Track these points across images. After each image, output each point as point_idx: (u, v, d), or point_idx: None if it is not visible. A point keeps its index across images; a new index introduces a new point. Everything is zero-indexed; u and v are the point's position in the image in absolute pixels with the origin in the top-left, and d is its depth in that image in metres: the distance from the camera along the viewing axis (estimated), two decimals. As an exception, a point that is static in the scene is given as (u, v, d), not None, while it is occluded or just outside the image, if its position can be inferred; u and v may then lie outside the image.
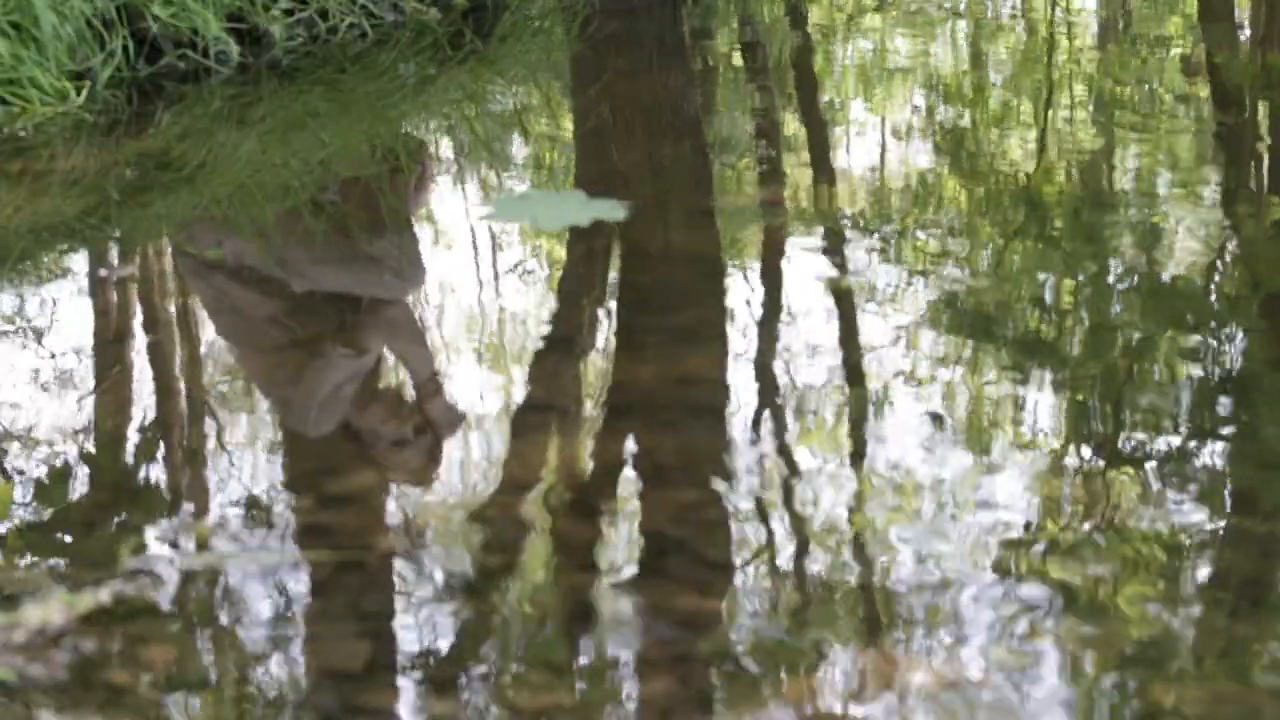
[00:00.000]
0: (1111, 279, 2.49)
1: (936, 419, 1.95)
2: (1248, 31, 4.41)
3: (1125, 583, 1.60)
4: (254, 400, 2.14)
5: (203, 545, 1.70)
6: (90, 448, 1.97)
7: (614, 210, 2.57)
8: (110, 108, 3.22)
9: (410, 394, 2.15)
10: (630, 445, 1.92)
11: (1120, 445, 1.89)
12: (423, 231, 2.81)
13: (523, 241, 2.81)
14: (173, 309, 2.51)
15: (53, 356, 2.23)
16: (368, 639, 1.51)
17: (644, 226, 2.77)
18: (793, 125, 3.56)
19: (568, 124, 3.57)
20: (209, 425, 2.07)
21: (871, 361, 2.15)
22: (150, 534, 1.72)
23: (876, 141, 3.39)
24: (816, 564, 1.65)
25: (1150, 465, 1.83)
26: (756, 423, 1.99)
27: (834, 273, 2.53)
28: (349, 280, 2.54)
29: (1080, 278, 2.50)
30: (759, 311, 2.40)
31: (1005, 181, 3.04)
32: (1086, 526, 1.71)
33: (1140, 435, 1.91)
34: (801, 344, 2.23)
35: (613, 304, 2.45)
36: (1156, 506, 1.74)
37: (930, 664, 1.44)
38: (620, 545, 1.70)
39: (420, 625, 1.54)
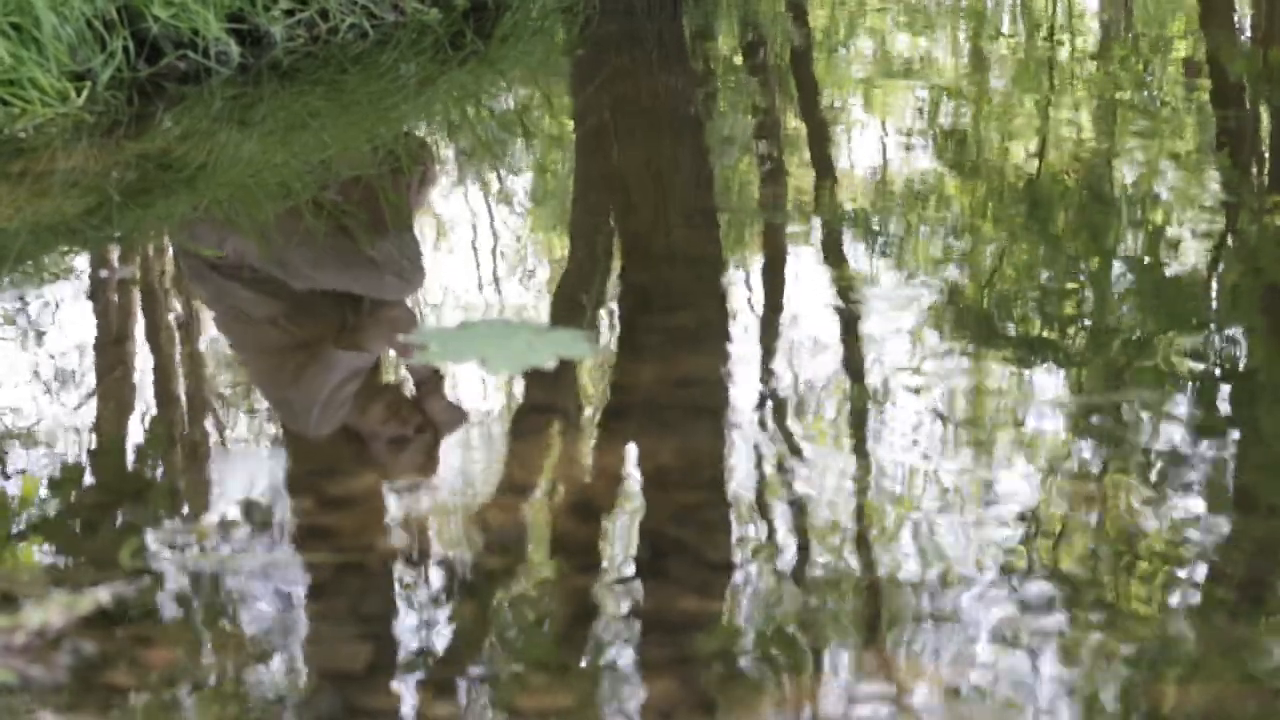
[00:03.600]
0: (1113, 277, 2.49)
1: (938, 419, 1.95)
2: (1249, 32, 4.41)
3: (1127, 582, 1.59)
4: (255, 401, 2.14)
5: (203, 547, 1.70)
6: (91, 449, 1.97)
7: (577, 345, 2.07)
8: (111, 108, 3.22)
9: (410, 394, 2.15)
10: (631, 446, 1.92)
11: (1123, 445, 1.89)
12: (423, 232, 2.81)
13: (524, 240, 2.80)
14: (174, 310, 2.51)
15: (53, 358, 2.23)
16: (368, 640, 1.51)
17: (645, 226, 2.76)
18: (794, 124, 3.56)
19: (566, 124, 3.57)
20: (210, 426, 2.07)
21: (873, 361, 2.14)
22: (151, 535, 1.72)
23: (878, 141, 3.39)
24: (818, 565, 1.64)
25: (1153, 464, 1.83)
26: (757, 424, 1.98)
27: (835, 273, 2.53)
28: (350, 281, 2.54)
29: (1082, 277, 2.49)
30: (760, 312, 2.40)
31: (1007, 181, 3.04)
32: (1088, 526, 1.70)
33: (1143, 434, 1.91)
34: (802, 344, 2.22)
35: (613, 304, 2.45)
36: (1159, 505, 1.74)
37: (932, 665, 1.44)
38: (621, 546, 1.70)
39: (421, 626, 1.54)
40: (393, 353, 2.31)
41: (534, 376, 2.17)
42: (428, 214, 2.91)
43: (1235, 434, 1.92)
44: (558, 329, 2.19)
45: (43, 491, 1.83)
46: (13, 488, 1.82)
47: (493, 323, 2.20)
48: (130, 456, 1.98)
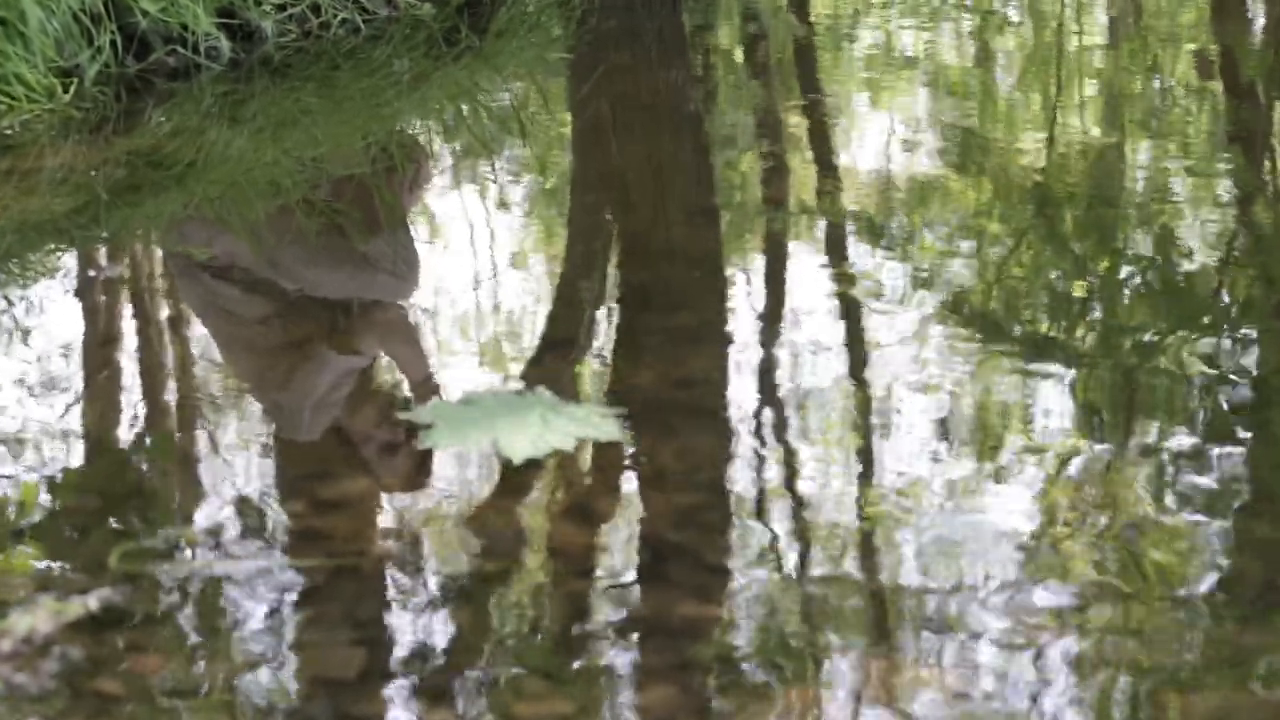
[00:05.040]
0: (1122, 277, 2.47)
1: (942, 421, 1.93)
2: (1262, 24, 4.39)
3: (1135, 587, 1.57)
4: (245, 403, 2.12)
5: (193, 551, 1.67)
6: (78, 452, 1.95)
7: (602, 424, 1.83)
8: (98, 105, 3.19)
9: (404, 397, 2.12)
10: (629, 448, 1.90)
11: (1130, 448, 1.87)
12: (418, 230, 2.79)
13: (521, 239, 2.78)
14: (163, 310, 2.48)
15: (40, 359, 2.21)
16: (361, 646, 1.49)
17: (645, 224, 2.74)
18: (795, 121, 3.54)
19: (564, 121, 3.55)
20: (199, 429, 2.05)
21: (876, 362, 2.12)
22: (139, 540, 1.70)
23: (881, 137, 3.37)
24: (820, 569, 1.62)
25: (1161, 468, 1.81)
26: (758, 425, 1.96)
27: (838, 271, 2.51)
28: (342, 281, 2.52)
29: (1090, 277, 2.48)
30: (761, 312, 2.38)
31: (1013, 179, 3.02)
32: (1095, 531, 1.68)
33: (1151, 437, 1.89)
34: (804, 344, 2.21)
35: (613, 304, 2.43)
36: (1166, 510, 1.72)
37: (935, 672, 1.42)
38: (619, 550, 1.68)
39: (415, 632, 1.52)
40: (385, 355, 2.29)
41: (531, 377, 2.14)
42: (422, 213, 2.89)
43: (1247, 437, 1.90)
44: (576, 404, 1.92)
45: (29, 495, 1.81)
46: (36, 486, 1.80)
47: (501, 395, 1.93)
48: (119, 459, 1.95)
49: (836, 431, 1.94)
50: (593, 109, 3.51)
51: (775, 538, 1.69)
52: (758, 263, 2.65)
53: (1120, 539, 1.67)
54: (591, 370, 2.18)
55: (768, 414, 1.99)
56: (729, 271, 2.57)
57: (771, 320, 2.33)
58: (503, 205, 2.94)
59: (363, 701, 1.42)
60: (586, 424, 1.84)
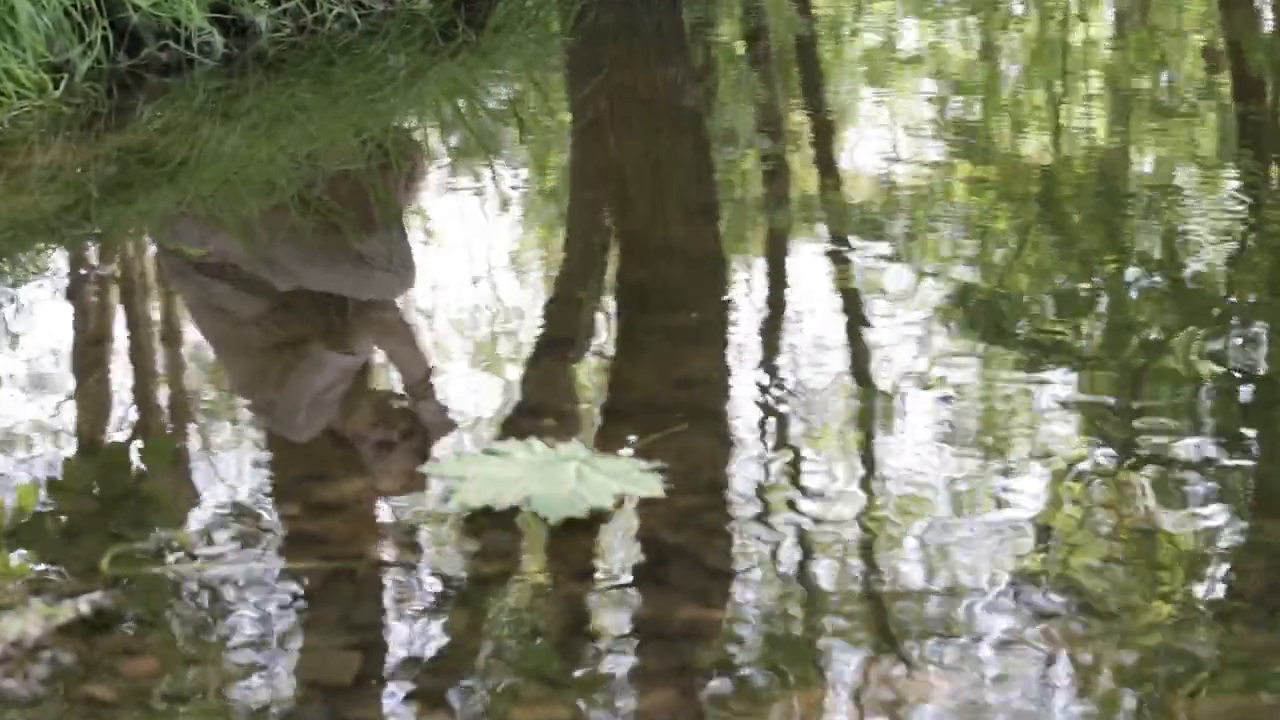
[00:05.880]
0: (1129, 275, 2.46)
1: (946, 422, 1.92)
2: (1270, 19, 4.37)
3: (1141, 591, 1.56)
4: (239, 404, 2.10)
5: (186, 554, 1.66)
6: (69, 454, 1.94)
7: (643, 478, 1.70)
8: (89, 101, 3.18)
9: (400, 396, 2.11)
10: (628, 449, 1.88)
11: (1137, 449, 1.86)
12: (414, 229, 2.78)
13: (518, 237, 2.77)
14: (155, 309, 2.47)
15: (30, 360, 2.19)
16: (358, 650, 1.48)
17: (644, 223, 2.73)
18: (797, 117, 3.52)
19: (562, 117, 3.54)
20: (192, 430, 2.03)
21: (878, 362, 2.11)
22: (132, 543, 1.68)
23: (884, 134, 3.36)
24: (821, 571, 1.61)
25: (1168, 469, 1.80)
26: (759, 426, 1.95)
27: (839, 270, 2.49)
28: (338, 279, 2.51)
29: (1097, 275, 2.46)
30: (761, 311, 2.37)
31: (1018, 176, 3.01)
32: (1101, 533, 1.67)
33: (1158, 438, 1.88)
34: (805, 344, 2.19)
35: (611, 303, 2.42)
36: (1174, 512, 1.71)
37: (939, 675, 1.41)
38: (618, 553, 1.66)
39: (412, 636, 1.51)
40: (381, 354, 2.27)
41: (530, 378, 2.13)
42: (417, 211, 2.88)
43: (1254, 438, 1.89)
44: (611, 456, 1.77)
45: (20, 497, 1.79)
46: (36, 489, 1.79)
47: (533, 446, 1.76)
48: (110, 461, 1.94)
49: (838, 432, 1.93)
50: (591, 105, 3.50)
51: (776, 540, 1.67)
52: (758, 261, 2.64)
53: (1128, 541, 1.65)
54: (590, 370, 2.17)
55: (768, 414, 1.98)
56: (729, 270, 2.56)
57: (772, 319, 2.32)
58: (500, 202, 2.93)
59: (359, 706, 1.41)
60: (627, 479, 1.71)
